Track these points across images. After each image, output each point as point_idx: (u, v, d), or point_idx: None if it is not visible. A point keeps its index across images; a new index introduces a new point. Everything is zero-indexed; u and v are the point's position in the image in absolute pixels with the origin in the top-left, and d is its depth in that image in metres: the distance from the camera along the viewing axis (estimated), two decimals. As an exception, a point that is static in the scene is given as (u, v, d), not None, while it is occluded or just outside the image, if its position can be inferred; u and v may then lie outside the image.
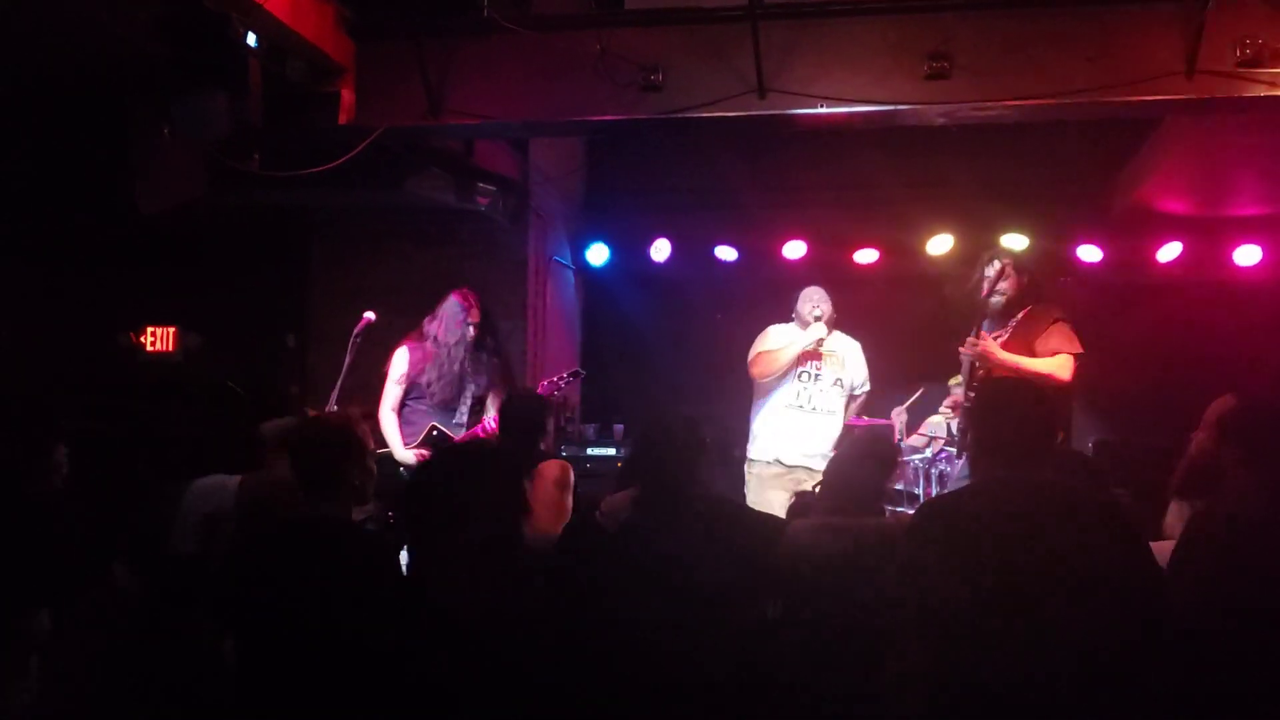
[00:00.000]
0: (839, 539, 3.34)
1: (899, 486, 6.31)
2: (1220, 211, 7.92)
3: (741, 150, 8.17)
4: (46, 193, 6.53)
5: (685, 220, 8.48)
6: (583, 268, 8.79)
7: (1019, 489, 2.68)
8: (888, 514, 4.32)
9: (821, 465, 5.51)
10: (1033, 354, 5.20)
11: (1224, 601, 2.72)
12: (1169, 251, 7.92)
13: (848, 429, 5.99)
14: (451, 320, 5.69)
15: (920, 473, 6.19)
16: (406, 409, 5.72)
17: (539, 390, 5.51)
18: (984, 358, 5.13)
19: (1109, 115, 6.13)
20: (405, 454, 5.58)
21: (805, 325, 6.00)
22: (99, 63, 5.18)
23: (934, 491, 6.00)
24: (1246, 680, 2.67)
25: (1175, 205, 7.80)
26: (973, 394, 5.02)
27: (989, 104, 5.47)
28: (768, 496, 5.85)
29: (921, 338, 6.94)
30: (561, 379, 5.56)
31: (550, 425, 4.85)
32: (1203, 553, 2.82)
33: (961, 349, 5.27)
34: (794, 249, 8.21)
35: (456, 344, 5.67)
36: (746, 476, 6.13)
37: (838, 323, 6.13)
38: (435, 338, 5.69)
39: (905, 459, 6.20)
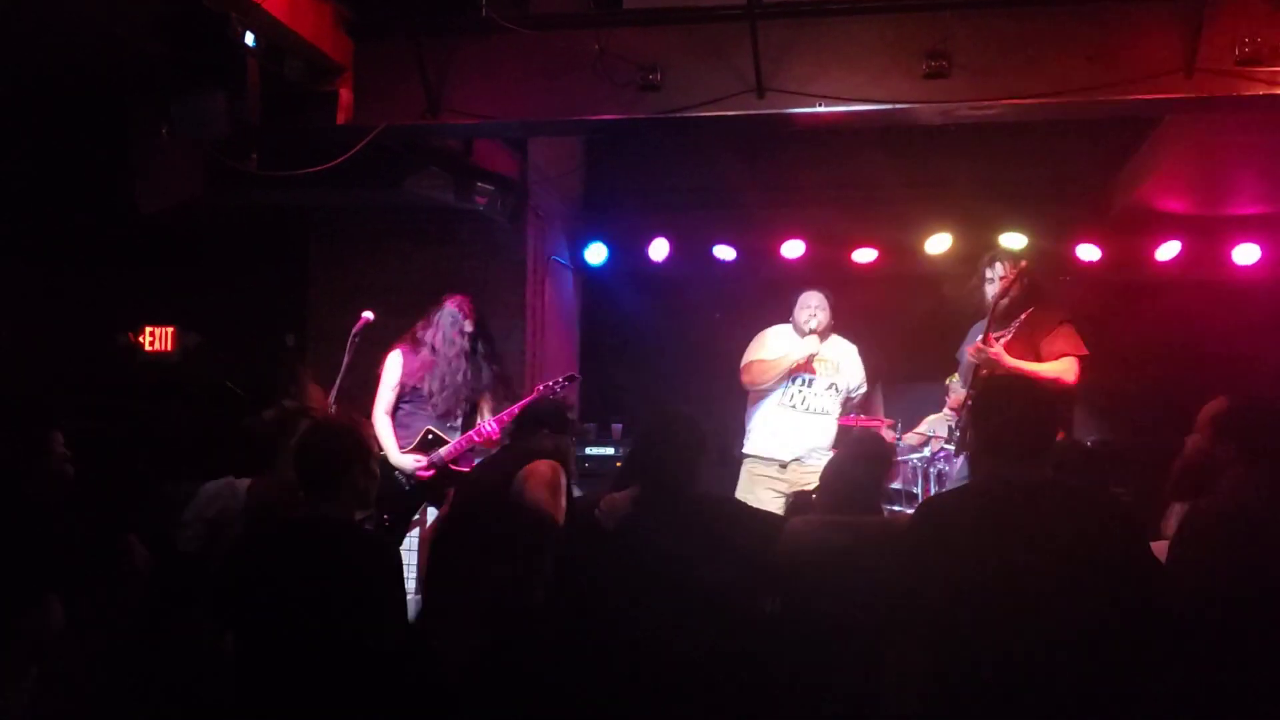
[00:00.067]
0: (838, 535, 3.35)
1: (897, 485, 6.32)
2: (1219, 210, 7.92)
3: (740, 150, 8.17)
4: (45, 192, 6.53)
5: (684, 220, 8.48)
6: (581, 267, 8.78)
7: (1019, 488, 2.69)
8: (886, 514, 4.33)
9: (816, 461, 5.56)
10: (1038, 355, 5.21)
11: (1221, 596, 2.72)
12: (1168, 250, 7.92)
13: (844, 429, 5.99)
14: (450, 330, 5.66)
15: (919, 471, 6.20)
16: (400, 412, 5.70)
17: (535, 394, 5.49)
18: (993, 363, 5.13)
19: (1108, 114, 6.14)
20: (401, 459, 5.55)
21: (801, 333, 5.97)
22: (98, 63, 5.18)
23: (932, 490, 6.01)
24: (1244, 674, 2.68)
25: (1174, 204, 7.80)
26: (974, 393, 5.02)
27: (987, 103, 5.47)
28: (758, 494, 5.86)
29: (920, 337, 6.96)
30: (557, 383, 5.54)
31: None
32: (1199, 548, 2.82)
33: (969, 352, 5.27)
34: (793, 248, 8.21)
35: (457, 354, 5.65)
36: (741, 472, 6.13)
37: (836, 323, 6.11)
38: (434, 348, 5.64)
39: (903, 458, 6.21)
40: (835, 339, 6.12)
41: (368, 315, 5.66)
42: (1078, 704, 2.51)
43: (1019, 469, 2.71)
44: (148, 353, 8.15)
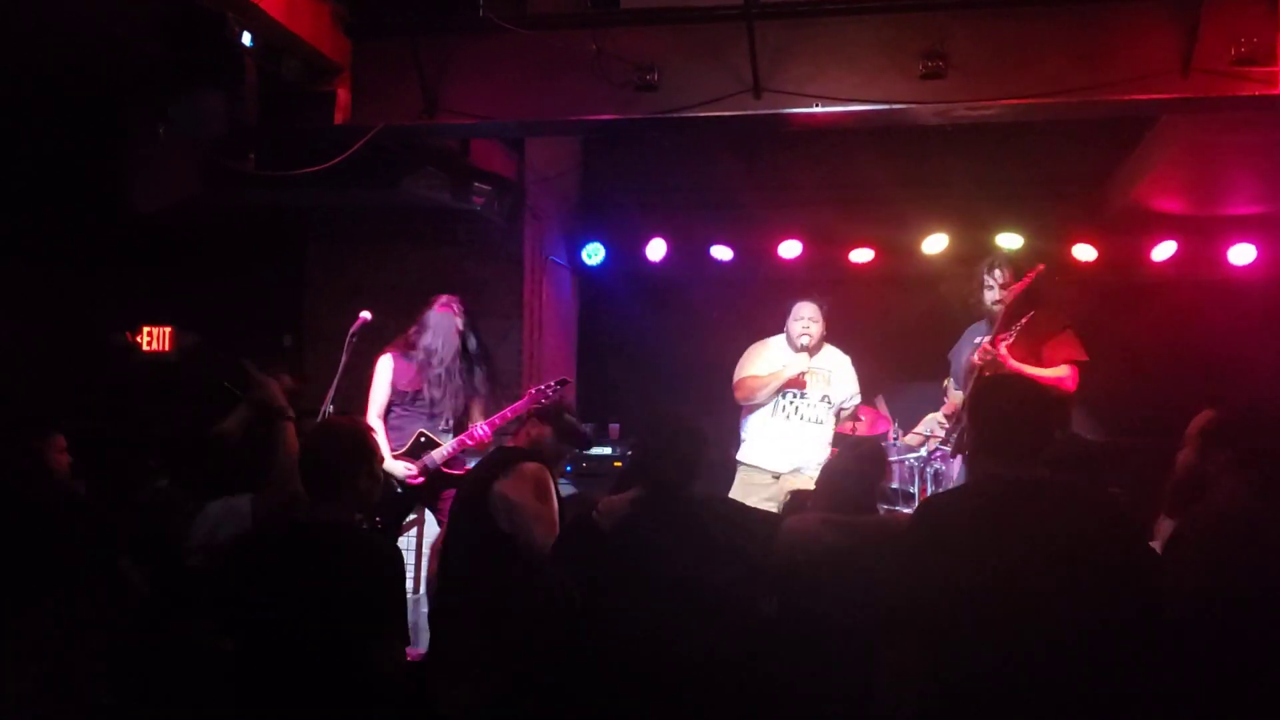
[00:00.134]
0: (836, 534, 3.35)
1: (894, 485, 6.32)
2: (1215, 210, 7.93)
3: (737, 150, 8.18)
4: (42, 192, 6.53)
5: (681, 220, 8.49)
6: (579, 267, 8.78)
7: (1018, 487, 2.69)
8: (883, 513, 4.33)
9: (811, 473, 5.54)
10: (1039, 359, 5.24)
11: (1221, 596, 2.73)
12: (1164, 250, 7.93)
13: (840, 438, 5.98)
14: (445, 334, 5.64)
15: (915, 471, 6.20)
16: (392, 415, 5.68)
17: (525, 398, 5.45)
18: (998, 365, 5.14)
19: (1104, 114, 6.15)
20: (393, 465, 5.51)
21: (795, 347, 5.93)
22: (95, 62, 5.18)
23: (929, 490, 6.01)
24: (1244, 675, 2.68)
25: (1170, 204, 7.81)
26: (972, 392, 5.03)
27: (984, 103, 5.47)
28: (751, 504, 5.82)
29: (917, 337, 6.96)
30: (549, 387, 5.49)
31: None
32: (1198, 550, 2.83)
33: (977, 354, 5.27)
34: (789, 248, 8.21)
35: (454, 358, 5.64)
36: (735, 479, 6.10)
37: (833, 325, 6.08)
38: (428, 349, 5.61)
39: (900, 457, 6.21)
40: (828, 349, 6.05)
41: (365, 315, 5.64)
42: (1077, 704, 2.51)
43: (1017, 468, 2.72)
44: (145, 352, 8.15)
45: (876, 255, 8.24)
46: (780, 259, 8.22)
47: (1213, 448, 3.05)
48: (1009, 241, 7.52)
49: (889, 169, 7.93)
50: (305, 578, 2.97)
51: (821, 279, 6.38)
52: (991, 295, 5.43)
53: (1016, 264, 5.46)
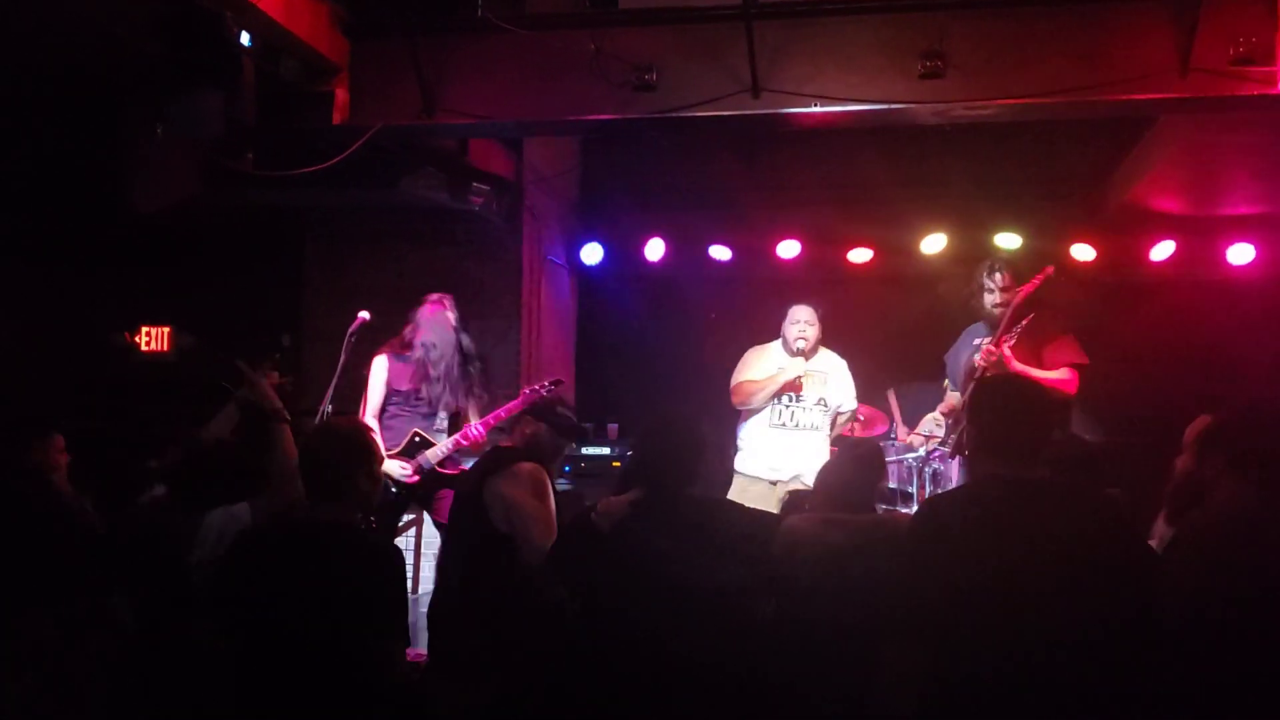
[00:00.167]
0: (835, 533, 3.35)
1: (893, 485, 6.33)
2: (1214, 210, 7.94)
3: (736, 150, 8.18)
4: (41, 192, 6.53)
5: (680, 219, 8.49)
6: (577, 267, 8.78)
7: (1018, 487, 2.70)
8: (881, 512, 4.33)
9: (807, 482, 5.52)
10: (1039, 361, 5.23)
11: (1221, 597, 2.73)
12: (1162, 250, 7.94)
13: (839, 438, 5.97)
14: (441, 331, 5.64)
15: (914, 471, 6.20)
16: (387, 414, 5.67)
17: (521, 398, 5.43)
18: (1002, 366, 5.13)
19: (1103, 114, 6.15)
20: (388, 465, 5.44)
21: (791, 351, 5.90)
22: (94, 62, 5.18)
23: (928, 490, 6.02)
24: (1241, 675, 2.68)
25: (1169, 204, 7.81)
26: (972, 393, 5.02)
27: (983, 103, 5.48)
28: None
29: (916, 336, 6.96)
30: (543, 386, 5.47)
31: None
32: (1198, 551, 2.83)
33: (981, 355, 5.26)
34: (788, 248, 8.21)
35: (452, 354, 5.64)
36: (732, 485, 6.08)
37: (831, 325, 6.06)
38: (424, 347, 5.62)
39: (900, 457, 6.22)
40: (824, 352, 6.02)
41: (364, 315, 5.63)
42: (1077, 704, 2.51)
43: (1017, 468, 2.72)
44: (143, 352, 8.15)
45: (875, 255, 8.25)
46: (779, 259, 8.22)
47: (1210, 452, 3.05)
48: (1008, 241, 7.53)
49: (888, 169, 7.93)
50: (306, 578, 2.96)
51: (820, 279, 6.38)
52: (991, 299, 5.41)
53: (1016, 267, 5.45)
